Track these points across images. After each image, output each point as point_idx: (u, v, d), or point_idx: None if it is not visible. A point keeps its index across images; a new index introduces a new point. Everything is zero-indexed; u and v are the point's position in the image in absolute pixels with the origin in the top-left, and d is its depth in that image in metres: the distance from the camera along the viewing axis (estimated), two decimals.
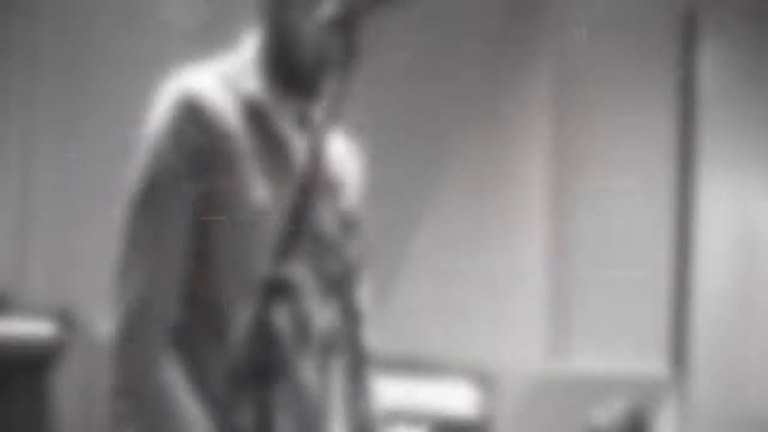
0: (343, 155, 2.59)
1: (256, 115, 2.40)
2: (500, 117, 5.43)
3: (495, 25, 5.46)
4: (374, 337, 2.66)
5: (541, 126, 5.45)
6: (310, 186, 2.12)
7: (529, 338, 5.37)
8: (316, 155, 2.14)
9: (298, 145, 2.43)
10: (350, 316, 2.62)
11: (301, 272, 2.43)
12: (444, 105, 5.35)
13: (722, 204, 5.67)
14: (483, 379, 4.90)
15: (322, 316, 2.50)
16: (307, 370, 2.43)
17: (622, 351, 5.55)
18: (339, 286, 2.53)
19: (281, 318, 2.34)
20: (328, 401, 2.48)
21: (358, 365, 2.67)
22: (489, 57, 5.42)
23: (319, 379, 2.47)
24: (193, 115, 2.31)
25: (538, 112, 5.45)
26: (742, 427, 5.44)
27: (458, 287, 5.33)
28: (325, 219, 2.48)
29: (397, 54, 5.26)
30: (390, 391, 4.73)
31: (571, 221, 5.57)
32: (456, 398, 4.83)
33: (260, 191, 2.37)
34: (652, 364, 5.61)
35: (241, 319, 2.31)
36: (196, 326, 2.42)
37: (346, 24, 2.23)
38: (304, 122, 2.45)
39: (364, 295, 2.67)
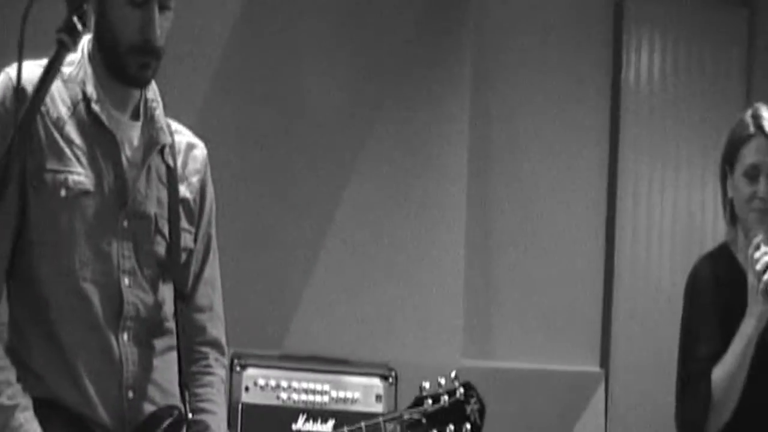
0: (187, 147, 2.81)
1: (82, 101, 2.57)
2: (419, 113, 5.31)
3: (413, 18, 5.35)
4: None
5: (461, 121, 5.34)
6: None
7: (450, 335, 5.24)
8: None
9: (124, 130, 2.62)
10: (188, 305, 2.76)
11: (119, 251, 2.58)
12: (358, 104, 5.23)
13: (644, 194, 5.59)
14: (394, 375, 4.76)
15: (143, 295, 2.62)
16: (119, 344, 2.58)
17: (549, 346, 5.46)
18: (169, 271, 2.66)
19: (93, 291, 2.53)
20: (142, 374, 2.62)
21: (196, 351, 2.81)
22: (406, 53, 5.30)
23: (133, 352, 2.61)
24: (11, 98, 2.43)
25: (458, 108, 5.33)
26: (661, 417, 5.37)
27: (377, 284, 5.21)
28: (153, 203, 2.64)
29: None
30: (302, 387, 4.72)
31: (495, 217, 5.46)
32: (365, 394, 4.71)
33: (81, 173, 2.53)
34: (580, 358, 5.52)
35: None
36: (16, 301, 2.56)
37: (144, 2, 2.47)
38: (127, 107, 2.64)
39: (208, 288, 2.84)
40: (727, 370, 3.18)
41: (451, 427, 3.01)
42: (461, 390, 3.09)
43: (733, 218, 3.37)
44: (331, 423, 4.66)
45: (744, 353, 3.16)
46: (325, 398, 4.69)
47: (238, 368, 4.63)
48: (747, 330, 3.16)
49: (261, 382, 4.65)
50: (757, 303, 3.12)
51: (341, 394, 4.70)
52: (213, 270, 2.87)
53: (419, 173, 5.27)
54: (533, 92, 5.49)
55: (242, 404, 4.62)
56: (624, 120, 5.61)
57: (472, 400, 3.10)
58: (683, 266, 3.71)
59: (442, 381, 3.08)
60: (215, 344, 2.87)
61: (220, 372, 2.87)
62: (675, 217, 5.65)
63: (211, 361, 2.84)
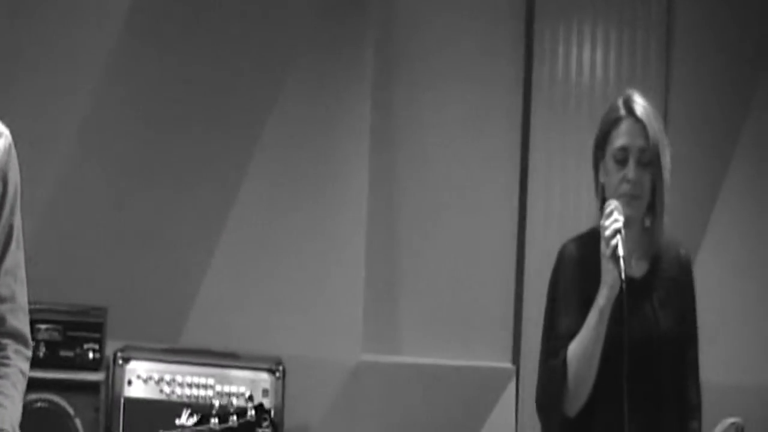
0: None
1: None
2: (318, 107, 5.25)
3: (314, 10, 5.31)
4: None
5: (362, 113, 5.28)
6: None
7: (350, 329, 5.18)
8: None
9: None
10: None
11: None
12: (257, 97, 5.18)
13: (556, 188, 5.50)
14: (282, 370, 4.71)
15: None
16: None
17: (459, 342, 5.39)
18: None
19: None
20: None
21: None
22: (306, 45, 5.26)
23: None
24: None
25: (358, 101, 5.27)
26: None
27: (274, 279, 5.16)
28: None
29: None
30: (186, 380, 4.67)
31: (399, 210, 5.40)
32: (252, 389, 4.65)
33: None
34: (490, 354, 5.44)
35: None
36: None
37: None
38: None
39: (9, 278, 2.76)
40: (581, 343, 3.12)
41: None
42: (252, 412, 3.05)
43: (603, 203, 3.29)
44: (216, 419, 4.59)
45: (598, 325, 3.10)
46: (210, 392, 4.64)
47: (120, 361, 4.60)
48: (600, 300, 3.11)
49: (144, 375, 4.61)
50: (609, 271, 3.08)
51: (226, 389, 4.65)
52: (15, 260, 2.78)
53: (318, 166, 5.22)
54: (440, 85, 5.42)
55: (125, 398, 4.59)
56: (535, 113, 5.53)
57: (264, 424, 3.05)
58: None
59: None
60: (16, 335, 2.78)
61: (20, 364, 2.77)
62: (587, 212, 5.55)
63: (9, 352, 2.75)
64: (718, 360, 5.58)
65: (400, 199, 5.36)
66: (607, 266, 3.09)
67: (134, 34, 5.04)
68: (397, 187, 5.36)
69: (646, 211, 3.29)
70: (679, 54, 5.71)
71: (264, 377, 4.67)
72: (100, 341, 4.61)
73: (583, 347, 3.12)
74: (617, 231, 3.08)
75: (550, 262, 5.45)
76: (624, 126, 3.24)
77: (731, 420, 5.06)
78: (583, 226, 5.36)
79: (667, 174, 3.28)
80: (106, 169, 5.05)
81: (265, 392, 4.66)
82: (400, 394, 5.21)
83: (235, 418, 3.01)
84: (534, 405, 3.45)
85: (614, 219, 3.11)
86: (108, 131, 5.06)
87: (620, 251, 3.05)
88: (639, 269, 3.29)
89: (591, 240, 3.30)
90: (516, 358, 5.45)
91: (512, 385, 5.41)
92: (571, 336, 3.14)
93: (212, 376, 4.65)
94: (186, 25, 5.11)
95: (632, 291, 3.15)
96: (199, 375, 4.64)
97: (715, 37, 5.71)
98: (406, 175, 5.38)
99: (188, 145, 5.11)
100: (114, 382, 4.57)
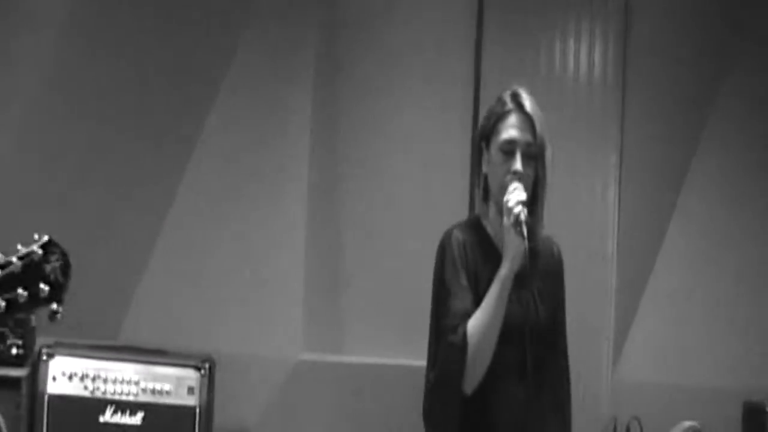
0: None
1: None
2: (259, 105, 5.21)
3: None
4: None
5: (304, 111, 5.22)
6: None
7: (289, 327, 5.12)
8: None
9: None
10: None
11: None
12: (197, 96, 5.16)
13: None
14: (208, 367, 4.64)
15: None
16: None
17: (404, 341, 5.29)
18: None
19: None
20: None
21: None
22: (247, 44, 5.22)
23: None
24: None
25: (299, 99, 5.22)
26: None
27: (212, 276, 5.12)
28: None
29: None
30: (110, 377, 4.62)
31: (340, 207, 5.32)
32: (177, 386, 4.60)
33: None
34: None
35: None
36: None
37: None
38: None
39: None
40: (482, 316, 3.18)
41: (22, 290, 2.51)
42: (40, 251, 2.57)
43: (486, 194, 3.38)
44: (140, 416, 4.56)
45: (499, 297, 3.16)
46: (135, 389, 4.59)
47: (45, 357, 4.56)
48: (502, 271, 3.17)
49: (69, 371, 4.57)
50: (511, 242, 3.15)
51: (151, 386, 4.60)
52: None
53: (258, 163, 5.18)
54: (385, 82, 5.35)
55: (48, 395, 4.54)
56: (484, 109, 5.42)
57: (53, 258, 2.60)
58: None
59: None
60: None
61: None
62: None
63: None
64: (675, 362, 5.48)
65: (342, 195, 5.30)
66: (509, 237, 3.16)
67: (69, 35, 5.02)
68: (339, 184, 5.30)
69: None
70: (636, 44, 5.60)
71: (190, 374, 4.62)
72: (24, 337, 4.57)
73: (484, 320, 3.16)
74: (521, 202, 3.14)
75: None
76: (512, 119, 3.29)
77: (688, 423, 4.95)
78: None
79: (549, 171, 3.32)
80: (43, 166, 5.03)
81: (190, 390, 4.61)
82: (340, 393, 5.14)
83: (18, 262, 2.53)
84: None
85: (518, 193, 3.16)
86: (46, 129, 5.05)
87: (523, 217, 3.10)
88: None
89: (474, 226, 3.41)
90: None
91: None
92: (466, 314, 3.19)
93: (138, 372, 4.61)
94: (123, 26, 5.08)
95: (514, 281, 3.23)
96: (125, 372, 4.60)
97: (674, 29, 5.59)
98: (347, 172, 5.32)
99: (126, 141, 5.08)
100: (37, 378, 4.53)
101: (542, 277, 3.37)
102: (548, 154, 3.31)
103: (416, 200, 5.29)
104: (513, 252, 3.15)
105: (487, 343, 3.16)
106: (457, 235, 3.33)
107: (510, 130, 3.26)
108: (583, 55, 5.53)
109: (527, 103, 3.30)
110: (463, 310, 3.20)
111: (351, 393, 5.13)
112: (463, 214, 5.34)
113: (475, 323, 3.16)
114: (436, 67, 5.35)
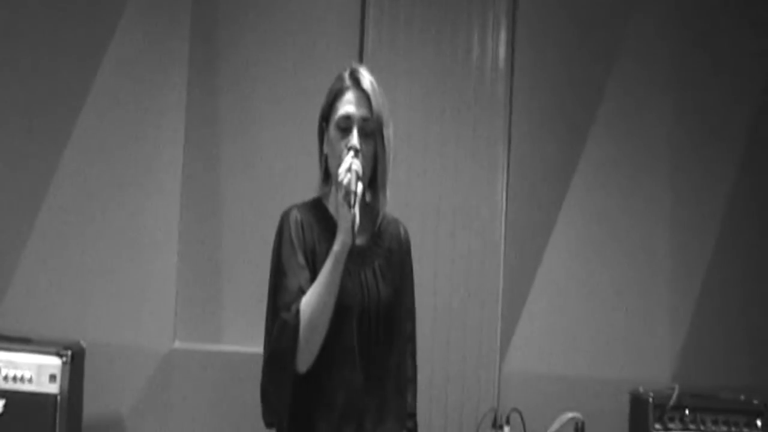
0: None
1: None
2: (136, 90, 5.15)
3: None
4: None
5: (179, 95, 5.15)
6: None
7: (161, 316, 5.04)
8: None
9: None
10: None
11: None
12: (75, 85, 5.08)
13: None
14: (70, 354, 4.54)
15: None
16: None
17: None
18: None
19: None
20: None
21: None
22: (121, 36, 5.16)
23: None
24: None
25: (175, 84, 5.15)
26: None
27: (87, 264, 5.03)
28: None
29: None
30: None
31: (214, 196, 5.25)
32: (38, 373, 4.51)
33: None
34: None
35: None
36: None
37: None
38: None
39: None
40: (315, 292, 3.11)
41: None
42: None
43: (326, 174, 3.34)
44: (1, 403, 4.46)
45: (333, 272, 3.10)
46: None
47: None
48: (336, 246, 3.11)
49: None
50: (344, 216, 3.09)
51: (12, 373, 4.49)
52: None
53: (132, 149, 5.11)
54: (266, 66, 5.29)
55: None
56: None
57: None
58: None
59: None
60: None
61: None
62: (410, 203, 5.42)
63: None
64: (563, 353, 5.43)
65: (218, 182, 5.22)
66: (342, 212, 3.09)
67: None
68: (215, 171, 5.22)
69: (368, 184, 3.29)
70: (524, 30, 5.55)
71: (53, 361, 4.51)
72: None
73: (317, 295, 3.10)
74: (349, 169, 3.09)
75: None
76: (348, 95, 3.26)
77: (570, 415, 4.89)
78: (412, 220, 5.34)
79: (389, 148, 3.28)
80: None
81: (52, 377, 4.51)
82: (215, 382, 5.06)
83: None
84: None
85: (350, 163, 3.11)
86: None
87: (353, 187, 3.05)
88: (360, 239, 3.28)
89: (314, 207, 3.35)
90: None
91: None
92: (301, 292, 3.14)
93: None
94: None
95: (353, 257, 3.19)
96: None
97: (563, 14, 5.56)
98: (224, 158, 5.24)
99: (1, 126, 5.00)
100: None
101: (385, 256, 3.33)
102: (388, 131, 3.27)
103: (293, 188, 5.17)
104: (346, 227, 3.09)
105: (320, 319, 3.09)
106: (295, 214, 3.29)
107: (346, 106, 3.23)
108: (473, 41, 5.47)
109: (364, 79, 3.26)
110: (297, 288, 3.14)
111: (226, 382, 5.05)
112: None
113: (307, 299, 3.10)
114: (319, 50, 5.28)
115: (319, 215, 3.30)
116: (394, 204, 5.16)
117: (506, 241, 5.41)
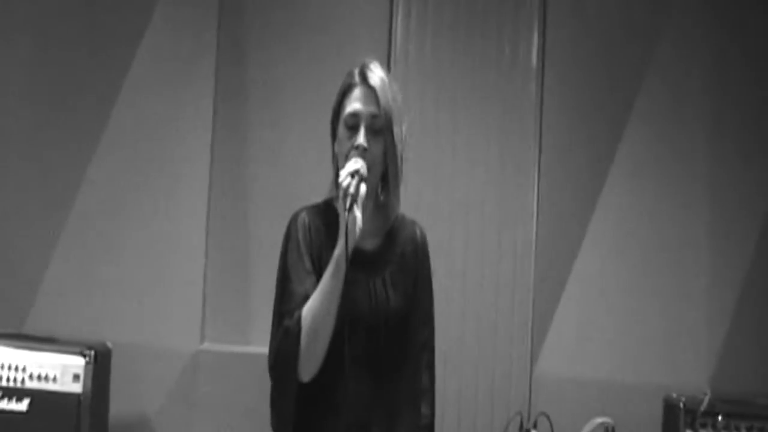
0: None
1: None
2: (162, 99, 5.17)
3: None
4: None
5: (207, 103, 5.20)
6: None
7: (188, 318, 5.08)
8: None
9: None
10: None
11: None
12: (100, 86, 5.14)
13: None
14: (93, 354, 4.58)
15: None
16: None
17: None
18: None
19: None
20: None
21: None
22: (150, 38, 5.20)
23: None
24: None
25: (203, 92, 5.18)
26: None
27: (114, 267, 5.09)
28: None
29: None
30: (1, 363, 4.59)
31: (242, 197, 5.26)
32: (63, 373, 4.56)
33: None
34: None
35: None
36: None
37: None
38: None
39: None
40: (316, 298, 3.00)
41: None
42: None
43: (338, 175, 3.17)
44: (26, 402, 4.53)
45: (333, 277, 2.98)
46: (21, 375, 4.56)
47: None
48: (337, 250, 3.00)
49: None
50: (344, 220, 2.96)
51: (37, 372, 4.56)
52: None
53: (160, 153, 5.17)
54: (293, 69, 5.28)
55: None
56: None
57: None
58: None
59: None
60: None
61: None
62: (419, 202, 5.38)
63: None
64: (596, 357, 5.35)
65: (245, 183, 5.23)
66: (343, 216, 2.97)
67: None
68: (242, 172, 5.24)
69: (380, 184, 3.18)
70: (555, 30, 5.47)
71: (77, 361, 4.57)
72: None
73: (318, 302, 2.99)
74: (351, 174, 2.98)
75: None
76: (356, 92, 3.13)
77: (600, 420, 4.82)
78: (440, 221, 5.30)
79: (400, 145, 3.15)
80: None
81: (76, 377, 4.56)
82: (242, 384, 5.07)
83: None
84: None
85: (351, 165, 3.01)
86: None
87: (352, 189, 2.94)
88: (371, 244, 3.18)
89: (325, 210, 3.23)
90: None
91: None
92: (306, 298, 3.03)
93: (25, 359, 4.57)
94: (29, 14, 5.09)
95: (364, 264, 3.09)
96: (11, 358, 4.57)
97: (594, 15, 5.47)
98: (252, 158, 5.25)
99: (31, 128, 5.08)
100: None
101: (398, 262, 3.20)
102: (399, 128, 3.15)
103: (321, 189, 5.18)
104: (344, 231, 2.96)
105: (321, 326, 2.98)
106: (304, 217, 3.20)
107: (354, 103, 3.12)
108: (504, 40, 5.42)
109: (373, 75, 3.14)
110: (303, 294, 3.04)
111: (253, 383, 5.05)
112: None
113: (309, 306, 3.00)
114: (347, 49, 5.27)
115: (329, 218, 3.18)
116: (421, 205, 5.19)
117: (538, 243, 5.34)
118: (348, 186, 2.96)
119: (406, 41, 5.35)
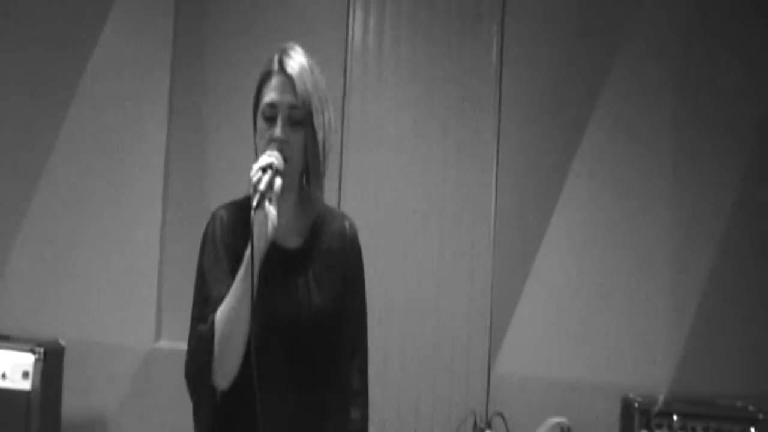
0: None
1: None
2: (117, 103, 5.16)
3: None
4: None
5: (162, 90, 5.17)
6: None
7: (142, 316, 5.05)
8: None
9: None
10: None
11: None
12: (58, 91, 5.12)
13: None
14: (43, 352, 4.57)
15: None
16: None
17: None
18: None
19: None
20: None
21: None
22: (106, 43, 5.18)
23: None
24: None
25: (160, 79, 5.15)
26: None
27: (70, 263, 5.07)
28: None
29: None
30: None
31: (198, 193, 5.24)
32: (13, 370, 4.54)
33: None
34: None
35: None
36: None
37: None
38: None
39: None
40: (228, 302, 2.78)
41: None
42: None
43: None
44: None
45: (245, 279, 2.73)
46: None
47: None
48: (247, 251, 2.77)
49: None
50: (255, 218, 2.72)
51: None
52: None
53: (117, 149, 5.14)
54: (248, 61, 5.25)
55: None
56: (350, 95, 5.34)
57: None
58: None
59: None
60: None
61: None
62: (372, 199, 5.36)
63: None
64: (554, 357, 5.33)
65: (201, 182, 5.21)
66: (252, 213, 2.73)
67: None
68: (198, 170, 5.21)
69: (301, 178, 2.99)
70: (514, 25, 5.45)
71: (26, 359, 4.55)
72: None
73: (230, 305, 2.77)
74: (263, 168, 2.76)
75: None
76: (274, 81, 2.88)
77: (556, 419, 4.80)
78: (399, 219, 5.28)
79: (321, 136, 2.92)
80: None
81: (25, 374, 4.54)
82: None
83: None
84: None
85: (266, 157, 2.80)
86: None
87: (262, 186, 2.71)
88: (295, 241, 2.98)
89: (244, 205, 2.94)
90: None
91: None
92: (220, 300, 2.80)
93: None
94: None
95: (286, 263, 2.91)
96: None
97: (553, 9, 5.44)
98: (208, 157, 5.23)
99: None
100: None
101: (323, 259, 2.99)
102: (321, 117, 2.92)
103: None
104: (257, 230, 2.73)
105: (235, 331, 2.76)
106: (222, 214, 2.99)
107: (270, 93, 2.88)
108: (462, 36, 5.39)
109: (290, 61, 2.88)
110: (219, 297, 2.81)
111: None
112: (332, 201, 5.28)
113: (221, 310, 2.79)
114: (305, 48, 5.23)
115: (247, 215, 2.83)
116: (379, 204, 5.17)
117: (496, 241, 5.32)
118: (258, 181, 2.74)
119: (365, 35, 5.32)
